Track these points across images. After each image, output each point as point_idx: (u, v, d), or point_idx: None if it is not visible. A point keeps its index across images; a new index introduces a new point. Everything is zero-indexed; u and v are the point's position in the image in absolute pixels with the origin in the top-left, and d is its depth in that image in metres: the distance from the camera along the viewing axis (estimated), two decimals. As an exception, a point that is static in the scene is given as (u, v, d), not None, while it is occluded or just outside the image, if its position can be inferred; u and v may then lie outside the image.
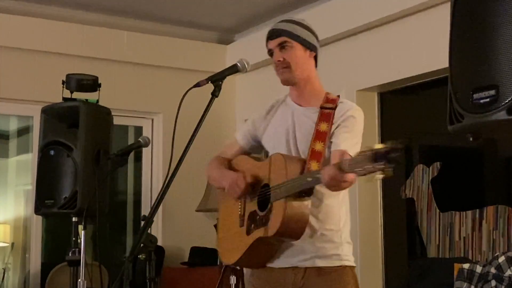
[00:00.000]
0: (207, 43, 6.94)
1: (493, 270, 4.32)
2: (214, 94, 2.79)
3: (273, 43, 3.00)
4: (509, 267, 4.27)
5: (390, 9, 5.28)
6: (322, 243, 2.88)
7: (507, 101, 2.24)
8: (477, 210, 4.99)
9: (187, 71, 6.60)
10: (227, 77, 2.86)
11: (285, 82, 3.02)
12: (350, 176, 2.52)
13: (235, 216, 3.00)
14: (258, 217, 2.86)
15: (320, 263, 2.87)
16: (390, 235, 5.65)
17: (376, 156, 2.29)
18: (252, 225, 2.88)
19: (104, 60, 6.35)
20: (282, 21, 3.07)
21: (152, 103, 6.67)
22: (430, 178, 5.31)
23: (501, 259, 4.33)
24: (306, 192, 2.72)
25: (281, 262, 2.91)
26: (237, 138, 3.18)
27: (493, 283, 4.30)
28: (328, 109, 2.95)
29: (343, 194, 2.94)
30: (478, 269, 4.42)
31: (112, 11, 6.39)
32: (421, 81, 5.33)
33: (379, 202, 5.67)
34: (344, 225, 2.96)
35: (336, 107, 2.96)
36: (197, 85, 2.72)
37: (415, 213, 5.43)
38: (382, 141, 5.74)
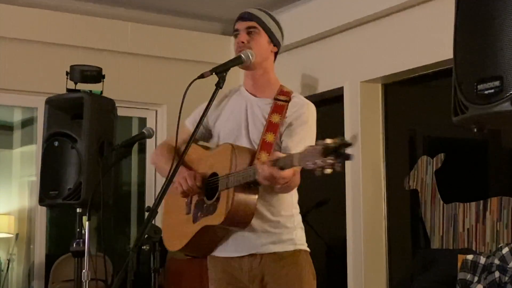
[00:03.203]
0: (211, 34, 6.93)
1: (497, 261, 4.33)
2: (218, 86, 2.80)
3: (242, 25, 3.03)
4: (513, 259, 4.27)
5: (394, 0, 5.26)
6: (276, 228, 2.94)
7: (511, 92, 2.24)
8: (481, 201, 4.98)
9: (191, 62, 6.59)
10: (231, 69, 2.86)
11: (245, 67, 3.02)
12: (286, 173, 2.57)
13: (182, 204, 3.04)
14: (205, 205, 2.90)
15: (275, 248, 2.94)
16: (394, 226, 5.65)
17: (326, 151, 2.31)
18: (199, 213, 2.92)
19: (108, 51, 6.34)
20: (257, 8, 3.10)
21: (156, 94, 6.67)
22: (434, 170, 5.30)
23: (505, 250, 4.33)
24: (254, 183, 2.75)
25: (236, 250, 2.96)
26: (186, 124, 3.16)
27: (497, 274, 4.30)
28: (281, 101, 2.99)
29: None
30: (482, 260, 4.42)
31: (116, 2, 6.38)
32: (426, 72, 5.32)
33: (383, 194, 5.67)
34: (296, 210, 3.04)
35: (290, 100, 3.00)
36: (201, 76, 2.73)
37: (419, 205, 5.43)
38: (386, 133, 5.76)
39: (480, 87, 2.32)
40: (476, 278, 4.42)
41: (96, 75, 4.78)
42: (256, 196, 2.82)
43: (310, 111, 3.02)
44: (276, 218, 2.93)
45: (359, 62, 5.73)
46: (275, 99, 2.99)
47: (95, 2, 6.34)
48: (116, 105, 4.70)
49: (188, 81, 2.65)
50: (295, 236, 2.98)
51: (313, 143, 2.90)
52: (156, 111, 6.80)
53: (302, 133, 2.95)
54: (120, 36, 6.45)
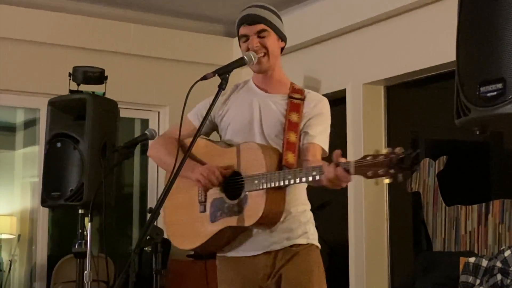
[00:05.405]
0: (214, 36, 6.93)
1: (499, 264, 4.32)
2: (221, 87, 2.79)
3: (251, 30, 2.96)
4: (515, 261, 4.27)
5: (397, 2, 5.26)
6: (290, 224, 2.91)
7: (514, 95, 2.24)
8: (483, 204, 4.98)
9: (194, 64, 6.60)
10: (234, 70, 2.86)
11: (262, 70, 2.98)
12: (351, 177, 2.51)
13: (192, 200, 2.96)
14: (226, 205, 2.84)
15: (289, 242, 2.91)
16: (396, 228, 5.64)
17: (391, 162, 2.31)
18: (219, 212, 2.86)
19: (110, 53, 6.35)
20: (258, 6, 3.02)
21: (158, 95, 6.68)
22: (436, 172, 5.30)
23: (507, 253, 4.33)
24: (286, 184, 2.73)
25: (251, 249, 2.92)
26: (190, 118, 3.08)
27: (499, 277, 4.29)
28: (296, 99, 2.96)
29: None
30: (484, 263, 4.41)
31: (119, 3, 6.39)
32: (428, 74, 5.32)
33: (385, 196, 5.67)
34: (308, 206, 3.03)
35: (304, 98, 2.97)
36: (204, 78, 2.72)
37: (421, 207, 5.42)
38: (388, 135, 5.75)
39: (482, 89, 2.32)
40: (478, 281, 4.41)
41: (98, 76, 4.78)
42: (285, 195, 2.81)
43: (325, 105, 3.03)
44: (290, 213, 2.90)
45: (361, 64, 5.73)
46: (290, 97, 2.96)
47: (98, 4, 6.35)
48: (119, 106, 4.70)
49: (191, 82, 2.65)
50: (308, 230, 2.97)
51: (328, 136, 2.96)
52: (159, 113, 6.80)
53: (323, 125, 2.96)
54: (123, 38, 6.46)
